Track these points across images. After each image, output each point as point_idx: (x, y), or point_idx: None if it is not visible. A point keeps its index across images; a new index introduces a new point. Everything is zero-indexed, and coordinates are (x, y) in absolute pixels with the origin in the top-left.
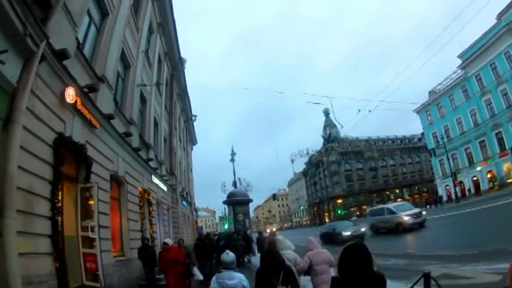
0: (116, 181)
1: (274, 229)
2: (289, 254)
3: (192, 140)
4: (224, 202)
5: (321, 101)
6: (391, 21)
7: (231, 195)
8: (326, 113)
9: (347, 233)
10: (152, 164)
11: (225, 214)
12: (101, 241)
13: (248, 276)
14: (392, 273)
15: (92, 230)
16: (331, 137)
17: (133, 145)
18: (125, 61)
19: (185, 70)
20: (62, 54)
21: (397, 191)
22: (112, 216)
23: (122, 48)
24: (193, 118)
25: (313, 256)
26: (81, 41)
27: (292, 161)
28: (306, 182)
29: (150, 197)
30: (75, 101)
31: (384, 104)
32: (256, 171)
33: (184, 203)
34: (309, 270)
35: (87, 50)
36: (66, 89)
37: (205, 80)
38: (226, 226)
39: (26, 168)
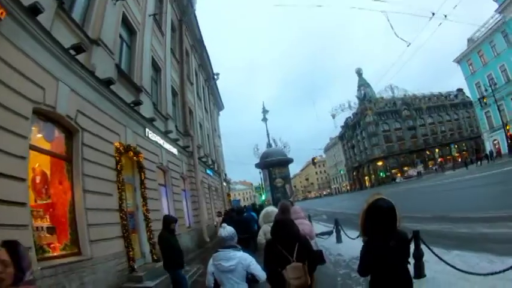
0: (59, 125)
1: None
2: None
3: (217, 104)
4: (257, 165)
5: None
6: None
7: (265, 156)
8: (359, 73)
9: None
10: (146, 113)
11: (261, 183)
12: None
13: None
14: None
15: None
16: (366, 97)
17: (100, 75)
18: None
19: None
20: None
21: (437, 150)
22: (53, 188)
23: None
24: (215, 77)
25: None
26: None
27: (333, 116)
28: (343, 146)
29: (141, 159)
30: None
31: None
32: (293, 137)
33: (209, 171)
34: None
35: None
36: None
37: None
38: (263, 197)
39: None
